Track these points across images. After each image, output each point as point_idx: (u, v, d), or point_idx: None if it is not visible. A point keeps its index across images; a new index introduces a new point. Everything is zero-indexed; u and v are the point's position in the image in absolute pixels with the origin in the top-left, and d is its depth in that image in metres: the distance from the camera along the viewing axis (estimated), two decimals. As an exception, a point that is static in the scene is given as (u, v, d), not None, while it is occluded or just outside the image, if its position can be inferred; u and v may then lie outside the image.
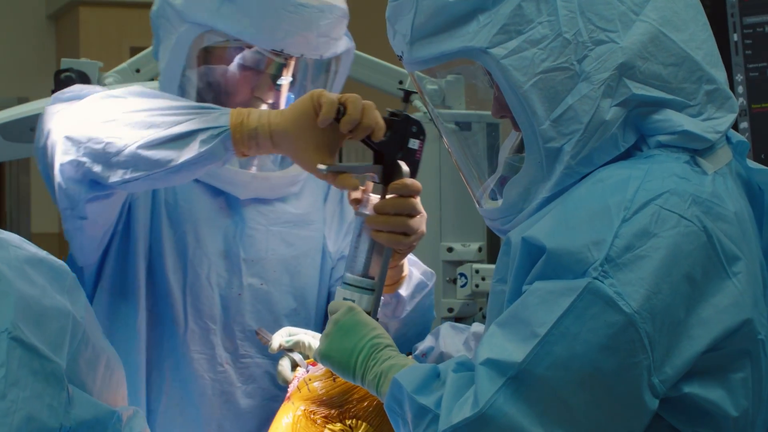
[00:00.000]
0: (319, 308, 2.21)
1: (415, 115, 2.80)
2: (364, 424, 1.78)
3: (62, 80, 2.74)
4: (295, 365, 1.87)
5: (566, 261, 1.39)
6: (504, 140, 1.72)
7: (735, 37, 2.76)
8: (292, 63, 2.11)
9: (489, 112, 1.68)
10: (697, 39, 1.52)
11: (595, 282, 1.37)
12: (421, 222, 1.89)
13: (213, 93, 2.09)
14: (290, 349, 1.89)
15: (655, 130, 1.49)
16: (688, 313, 1.38)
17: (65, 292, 1.61)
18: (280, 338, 1.90)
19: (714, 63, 1.54)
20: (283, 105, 2.13)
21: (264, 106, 2.09)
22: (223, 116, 1.86)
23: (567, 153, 1.48)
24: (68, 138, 1.89)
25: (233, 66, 2.08)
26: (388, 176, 1.84)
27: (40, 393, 1.48)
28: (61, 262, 1.69)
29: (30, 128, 2.64)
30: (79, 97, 1.96)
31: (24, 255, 1.61)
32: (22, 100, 4.48)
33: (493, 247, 2.78)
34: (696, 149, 1.49)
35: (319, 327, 2.19)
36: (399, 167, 1.84)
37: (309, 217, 2.21)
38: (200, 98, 2.09)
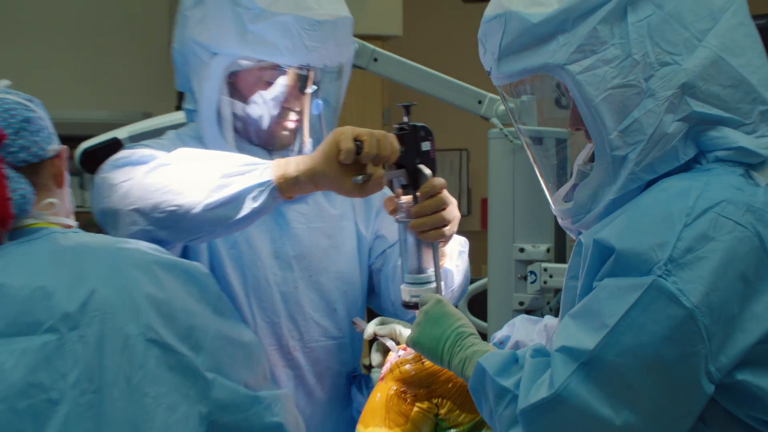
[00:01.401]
0: (363, 286, 2.27)
1: (491, 132, 2.84)
2: (449, 402, 1.80)
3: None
4: (387, 350, 1.90)
5: (633, 260, 1.42)
6: (574, 152, 1.75)
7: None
8: (313, 72, 2.15)
9: (560, 129, 1.72)
10: (754, 65, 1.54)
11: (660, 279, 1.40)
12: (453, 209, 1.94)
13: (248, 111, 2.13)
14: (382, 336, 1.92)
15: (713, 145, 1.51)
16: (742, 308, 1.41)
17: (196, 293, 1.67)
18: (373, 326, 1.94)
19: None
20: (309, 111, 2.17)
21: (293, 114, 2.14)
22: (266, 171, 1.91)
23: (631, 161, 1.52)
24: (135, 210, 1.92)
25: (262, 84, 2.12)
26: (414, 181, 1.91)
27: (177, 385, 1.55)
28: (197, 266, 1.73)
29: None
30: (132, 163, 1.98)
31: (155, 260, 1.69)
32: (147, 115, 4.56)
33: (559, 248, 2.74)
34: (750, 163, 1.52)
35: (365, 303, 2.27)
36: (422, 172, 1.90)
37: (343, 212, 2.26)
38: (236, 118, 2.13)
